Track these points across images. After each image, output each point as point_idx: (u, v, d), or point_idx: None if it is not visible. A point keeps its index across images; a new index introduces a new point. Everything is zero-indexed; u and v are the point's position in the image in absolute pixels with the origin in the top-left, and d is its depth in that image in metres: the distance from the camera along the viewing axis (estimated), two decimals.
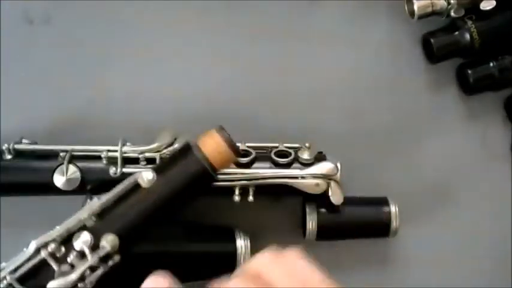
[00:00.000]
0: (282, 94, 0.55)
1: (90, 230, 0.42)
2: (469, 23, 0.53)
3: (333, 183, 0.50)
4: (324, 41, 0.55)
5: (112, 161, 0.48)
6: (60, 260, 0.41)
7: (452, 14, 0.52)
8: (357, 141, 0.55)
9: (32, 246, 0.41)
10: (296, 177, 0.49)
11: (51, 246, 0.41)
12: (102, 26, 0.53)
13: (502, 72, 0.54)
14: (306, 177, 0.49)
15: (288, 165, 0.50)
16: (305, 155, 0.50)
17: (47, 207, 0.51)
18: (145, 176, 0.43)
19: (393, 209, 0.52)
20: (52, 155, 0.49)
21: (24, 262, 0.41)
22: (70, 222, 0.42)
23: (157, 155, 0.48)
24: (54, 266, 0.41)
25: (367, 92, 0.55)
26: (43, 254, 0.41)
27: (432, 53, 0.54)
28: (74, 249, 0.41)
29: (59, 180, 0.48)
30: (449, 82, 0.56)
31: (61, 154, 0.48)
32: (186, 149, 0.44)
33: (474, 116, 0.57)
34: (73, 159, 0.48)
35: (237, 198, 0.49)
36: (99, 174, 0.48)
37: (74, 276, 0.40)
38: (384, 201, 0.52)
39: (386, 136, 0.56)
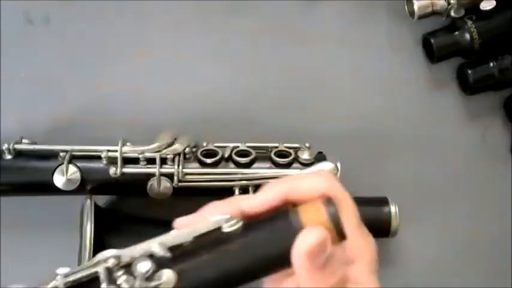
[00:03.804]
0: (282, 94, 0.55)
1: (155, 260, 0.37)
2: (469, 23, 0.53)
3: None
4: (324, 41, 0.55)
5: (112, 161, 0.48)
6: (111, 280, 0.37)
7: (452, 14, 0.52)
8: (357, 141, 0.55)
9: (98, 257, 0.37)
10: None
11: (111, 262, 0.37)
12: (102, 26, 0.53)
13: (502, 72, 0.54)
14: None
15: (287, 165, 0.50)
16: (305, 155, 0.50)
17: (47, 207, 0.51)
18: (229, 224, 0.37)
19: (393, 209, 0.52)
20: (52, 155, 0.49)
21: (78, 270, 0.37)
22: (138, 249, 0.38)
23: (157, 155, 0.48)
24: (104, 284, 0.37)
25: (367, 92, 0.55)
26: (98, 268, 0.37)
27: (432, 53, 0.54)
28: (130, 273, 0.37)
29: (59, 180, 0.48)
30: (449, 82, 0.56)
31: (61, 154, 0.48)
32: (285, 212, 0.38)
33: (474, 116, 0.57)
34: (73, 159, 0.48)
35: None
36: (99, 174, 0.48)
37: None
38: (384, 201, 0.52)
39: (387, 136, 0.56)
